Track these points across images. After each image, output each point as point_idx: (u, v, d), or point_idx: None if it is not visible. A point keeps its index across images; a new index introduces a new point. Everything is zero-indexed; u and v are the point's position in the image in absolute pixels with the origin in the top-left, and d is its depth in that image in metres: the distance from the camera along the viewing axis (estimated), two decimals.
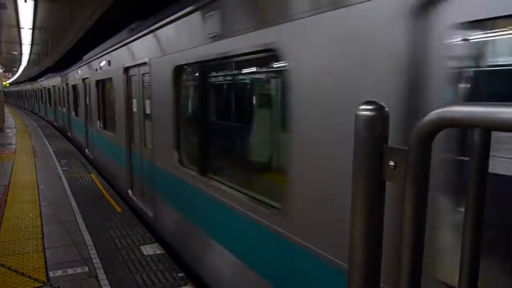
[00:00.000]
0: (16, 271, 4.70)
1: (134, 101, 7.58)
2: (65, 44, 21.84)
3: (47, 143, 16.72)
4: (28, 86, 44.94)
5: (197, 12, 4.48)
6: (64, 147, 15.54)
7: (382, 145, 1.03)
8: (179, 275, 4.85)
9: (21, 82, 61.43)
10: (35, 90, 36.87)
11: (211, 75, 4.84)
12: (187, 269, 5.03)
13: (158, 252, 5.53)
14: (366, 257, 1.06)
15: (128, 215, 7.16)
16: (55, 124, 24.38)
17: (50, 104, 26.34)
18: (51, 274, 4.78)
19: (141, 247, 5.69)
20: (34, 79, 44.76)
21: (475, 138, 0.84)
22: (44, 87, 28.79)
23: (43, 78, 30.64)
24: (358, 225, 1.06)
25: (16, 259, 5.18)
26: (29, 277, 4.38)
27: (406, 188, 0.94)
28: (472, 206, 0.87)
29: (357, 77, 2.36)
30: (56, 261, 5.15)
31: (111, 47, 8.87)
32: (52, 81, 24.19)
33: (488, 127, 0.83)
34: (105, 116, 10.81)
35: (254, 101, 4.39)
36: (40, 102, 33.70)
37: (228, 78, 4.77)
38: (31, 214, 7.06)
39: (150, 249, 5.62)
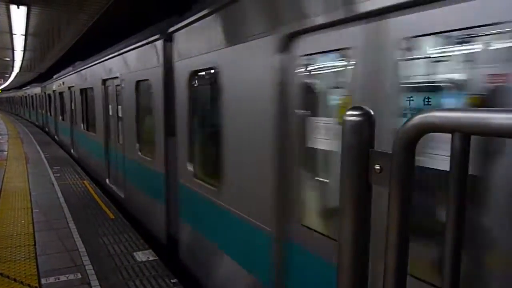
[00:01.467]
0: (8, 277, 4.68)
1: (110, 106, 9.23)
2: (59, 50, 21.76)
3: (39, 149, 16.62)
4: (36, 90, 28.23)
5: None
6: (56, 154, 15.46)
7: (368, 150, 1.06)
8: (172, 281, 4.85)
9: (27, 84, 43.20)
10: (49, 95, 21.76)
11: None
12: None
13: (151, 258, 5.53)
14: (354, 259, 1.10)
15: (121, 221, 7.15)
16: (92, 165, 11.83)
17: (75, 121, 14.21)
18: (43, 281, 4.76)
19: (134, 254, 5.68)
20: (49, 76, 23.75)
21: (455, 142, 0.88)
22: (68, 89, 15.06)
23: (62, 74, 17.07)
24: (345, 227, 1.09)
25: (8, 266, 5.15)
26: (22, 283, 4.36)
27: (390, 191, 0.98)
28: (453, 209, 0.90)
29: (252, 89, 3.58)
30: (49, 268, 5.13)
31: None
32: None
33: (468, 132, 0.87)
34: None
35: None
36: (60, 116, 18.22)
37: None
38: (23, 221, 7.02)
39: (143, 256, 5.61)
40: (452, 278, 0.92)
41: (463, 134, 0.88)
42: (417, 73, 2.28)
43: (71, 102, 14.65)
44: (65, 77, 15.96)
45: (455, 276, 0.92)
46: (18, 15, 12.59)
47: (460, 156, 0.88)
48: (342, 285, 1.09)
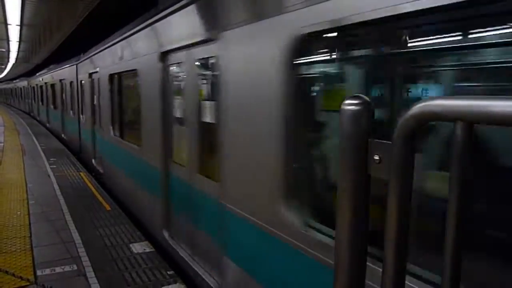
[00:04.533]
0: (1, 269, 4.65)
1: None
2: (55, 41, 21.54)
3: (36, 141, 16.53)
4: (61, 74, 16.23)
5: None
6: (53, 145, 15.38)
7: (367, 139, 1.03)
8: (168, 272, 4.84)
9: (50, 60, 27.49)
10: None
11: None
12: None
13: (147, 250, 5.51)
14: (352, 251, 1.07)
15: (117, 213, 7.12)
16: None
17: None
18: (39, 272, 4.74)
19: (131, 245, 5.66)
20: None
21: (457, 131, 0.85)
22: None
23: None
24: (344, 219, 1.06)
25: (3, 258, 5.12)
26: (13, 275, 4.33)
27: (390, 181, 0.94)
28: (454, 199, 0.87)
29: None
30: (44, 259, 5.10)
31: None
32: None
33: (470, 120, 0.83)
34: None
35: None
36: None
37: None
38: (19, 213, 6.98)
39: (139, 247, 5.59)
40: (452, 270, 0.89)
41: (466, 123, 0.84)
42: None
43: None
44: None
45: (456, 268, 0.89)
46: (13, 4, 12.45)
47: (462, 146, 0.85)
48: (340, 277, 1.06)
